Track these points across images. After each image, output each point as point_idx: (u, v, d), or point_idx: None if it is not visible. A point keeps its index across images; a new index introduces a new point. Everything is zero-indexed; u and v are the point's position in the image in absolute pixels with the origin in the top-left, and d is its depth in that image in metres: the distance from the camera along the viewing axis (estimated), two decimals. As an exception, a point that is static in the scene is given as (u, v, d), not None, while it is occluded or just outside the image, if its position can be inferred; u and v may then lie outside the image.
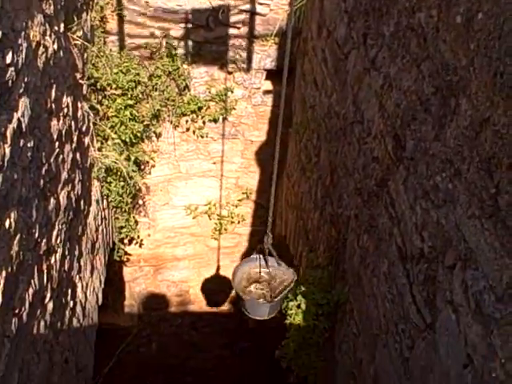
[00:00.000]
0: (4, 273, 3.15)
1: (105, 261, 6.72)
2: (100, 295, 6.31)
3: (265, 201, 8.00)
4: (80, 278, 5.35)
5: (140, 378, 9.84)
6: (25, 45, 3.71)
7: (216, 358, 9.89)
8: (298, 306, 5.10)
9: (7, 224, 3.25)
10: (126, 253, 8.11)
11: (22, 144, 3.56)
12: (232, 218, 8.18)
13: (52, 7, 4.49)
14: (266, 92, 7.43)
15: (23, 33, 3.72)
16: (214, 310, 9.30)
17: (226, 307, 9.30)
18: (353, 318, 4.59)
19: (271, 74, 7.28)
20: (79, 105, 5.47)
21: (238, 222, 8.28)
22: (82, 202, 5.46)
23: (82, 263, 5.42)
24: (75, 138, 5.30)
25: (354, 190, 4.65)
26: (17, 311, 3.40)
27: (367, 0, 4.44)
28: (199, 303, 9.28)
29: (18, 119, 3.48)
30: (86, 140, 5.82)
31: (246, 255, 8.59)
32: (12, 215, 3.35)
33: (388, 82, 3.95)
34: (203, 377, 10.24)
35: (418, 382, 3.36)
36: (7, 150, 3.25)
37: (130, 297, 8.96)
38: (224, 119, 7.44)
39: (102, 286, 6.49)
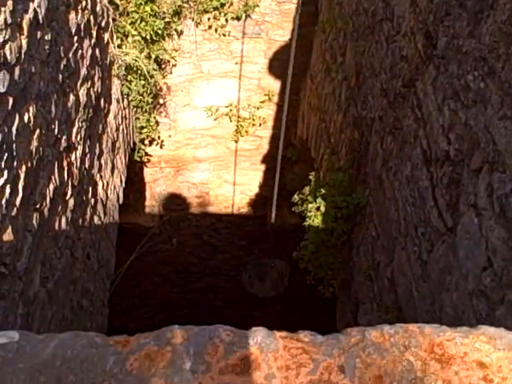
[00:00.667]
0: (24, 167, 3.15)
1: (125, 161, 6.73)
2: (121, 194, 6.37)
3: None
4: (101, 176, 5.38)
5: (159, 275, 10.14)
6: None
7: (235, 258, 10.12)
8: (318, 209, 5.10)
9: (26, 118, 3.21)
10: (146, 153, 8.12)
11: (39, 36, 3.46)
12: (253, 120, 8.07)
13: None
14: (291, -12, 7.10)
15: None
16: (234, 211, 9.38)
17: (245, 209, 9.37)
18: (372, 221, 4.58)
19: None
20: (98, -1, 5.28)
21: (260, 125, 8.18)
22: (101, 100, 5.39)
23: (102, 162, 5.42)
24: (94, 34, 5.15)
25: (379, 91, 4.50)
26: (38, 206, 3.43)
27: None
28: (218, 205, 9.35)
29: (35, 10, 3.36)
30: (106, 36, 5.66)
31: (267, 159, 8.56)
32: (31, 109, 3.30)
33: (421, -26, 3.71)
34: (222, 276, 10.53)
35: (435, 284, 3.38)
36: (24, 42, 3.15)
37: (150, 197, 9.05)
38: (247, 17, 7.16)
39: (123, 185, 6.54)
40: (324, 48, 6.47)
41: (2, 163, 2.77)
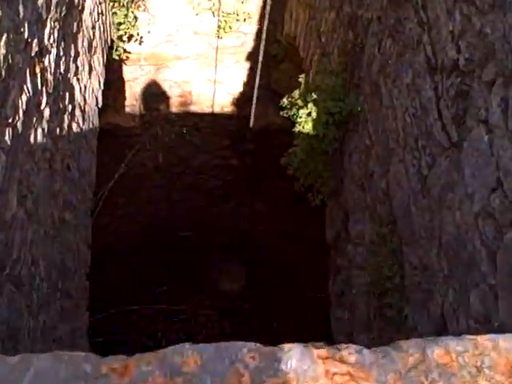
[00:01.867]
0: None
1: (103, 60, 6.33)
2: (100, 97, 6.02)
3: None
4: (78, 79, 5.02)
5: (141, 175, 9.92)
6: None
7: (218, 157, 9.92)
8: (309, 114, 4.86)
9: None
10: (125, 51, 7.66)
11: None
12: (237, 15, 7.58)
13: None
14: None
15: None
16: (217, 111, 9.07)
17: (229, 109, 9.05)
18: (366, 128, 4.37)
19: None
20: None
21: (244, 20, 7.69)
22: (75, -5, 4.93)
23: (79, 64, 5.05)
24: None
25: (378, -12, 4.15)
26: (10, 120, 3.15)
27: None
28: (201, 104, 9.02)
29: None
30: None
31: (252, 56, 8.15)
32: (-5, 11, 2.93)
33: None
34: (206, 175, 10.37)
35: (435, 201, 3.23)
36: None
37: (130, 97, 8.66)
38: None
39: (102, 87, 6.18)
40: None
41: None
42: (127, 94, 8.63)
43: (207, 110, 9.05)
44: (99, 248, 11.02)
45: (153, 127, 9.20)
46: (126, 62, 8.09)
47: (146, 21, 7.54)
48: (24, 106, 3.42)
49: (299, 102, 5.02)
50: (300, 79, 5.36)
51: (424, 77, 3.31)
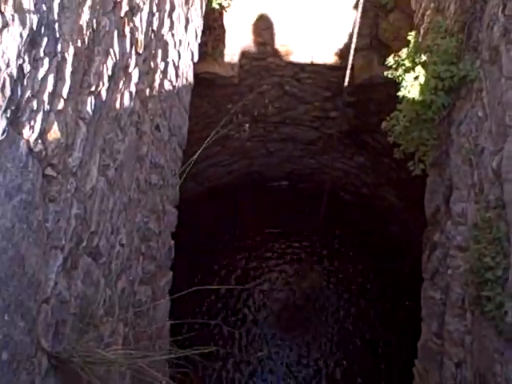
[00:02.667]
0: (72, 48, 2.67)
1: (202, 12, 6.09)
2: (196, 51, 5.83)
3: None
4: (172, 35, 4.83)
5: (237, 124, 9.68)
6: None
7: (317, 109, 9.57)
8: (416, 78, 4.42)
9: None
10: (225, -1, 7.39)
11: None
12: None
13: None
14: None
15: None
16: (318, 61, 8.65)
17: (331, 59, 8.61)
18: (480, 99, 3.90)
19: None
20: None
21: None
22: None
23: (174, 18, 4.85)
24: None
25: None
26: (93, 88, 3.01)
27: None
28: (302, 54, 8.63)
29: None
30: None
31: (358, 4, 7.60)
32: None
33: None
34: (303, 127, 10.05)
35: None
36: None
37: (230, 45, 8.42)
38: None
39: (198, 40, 5.97)
40: None
41: (41, 50, 2.31)
42: (227, 42, 8.39)
43: (308, 60, 8.66)
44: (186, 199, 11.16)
45: (252, 77, 8.96)
46: (226, 9, 7.82)
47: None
48: (110, 72, 3.27)
49: (406, 63, 4.58)
50: (409, 37, 4.87)
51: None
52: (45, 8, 2.36)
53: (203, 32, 6.51)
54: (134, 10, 3.76)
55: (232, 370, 9.73)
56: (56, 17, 2.49)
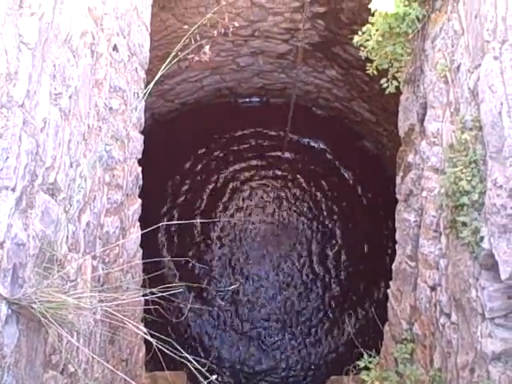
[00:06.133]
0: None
1: None
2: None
3: None
4: None
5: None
6: None
7: (287, 21, 9.15)
8: (388, -11, 4.15)
9: None
10: None
11: None
12: None
13: None
14: None
15: None
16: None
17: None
18: (456, 10, 3.68)
19: None
20: None
21: None
22: None
23: None
24: None
25: None
26: (36, 9, 2.71)
27: None
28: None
29: None
30: None
31: None
32: None
33: None
34: (273, 39, 9.68)
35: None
36: None
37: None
38: None
39: None
40: None
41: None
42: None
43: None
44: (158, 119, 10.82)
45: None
46: None
47: None
48: (54, -14, 2.95)
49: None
50: None
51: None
52: None
53: None
54: None
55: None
56: None
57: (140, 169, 5.01)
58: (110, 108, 4.03)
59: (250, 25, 9.20)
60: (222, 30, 9.20)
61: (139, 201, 5.08)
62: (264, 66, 10.44)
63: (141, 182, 5.05)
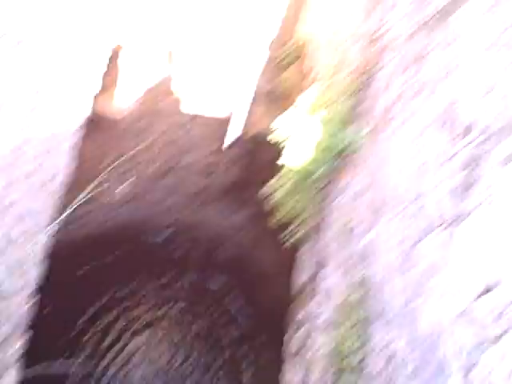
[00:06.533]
0: None
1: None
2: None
3: None
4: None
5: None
6: None
7: (208, 159, 9.29)
8: (300, 145, 4.23)
9: None
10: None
11: None
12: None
13: None
14: None
15: None
16: (209, 111, 8.44)
17: (223, 110, 8.43)
18: (361, 171, 3.72)
19: None
20: None
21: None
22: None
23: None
24: None
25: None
26: None
27: None
28: (193, 103, 8.40)
29: None
30: None
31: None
32: None
33: None
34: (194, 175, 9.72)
35: (418, 279, 2.61)
36: None
37: (122, 87, 8.04)
38: None
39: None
40: None
41: None
42: (119, 83, 8.00)
43: (199, 109, 8.44)
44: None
45: (142, 121, 8.59)
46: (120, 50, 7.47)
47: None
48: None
49: (292, 128, 4.39)
50: (310, 90, 4.67)
51: (437, 129, 2.69)
52: None
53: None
54: None
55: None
56: None
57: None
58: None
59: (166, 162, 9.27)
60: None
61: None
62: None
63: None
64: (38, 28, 3.86)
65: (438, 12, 2.97)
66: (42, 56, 3.96)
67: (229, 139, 7.35)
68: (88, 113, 5.49)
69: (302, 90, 4.87)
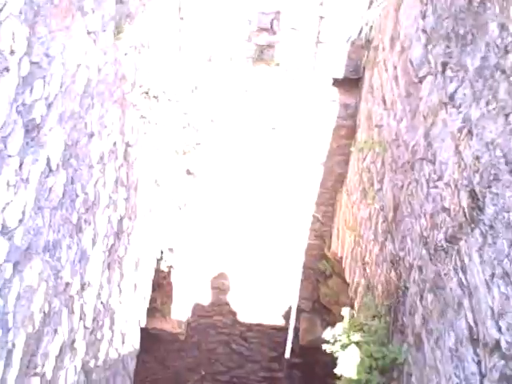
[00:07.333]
0: (23, 335, 2.84)
1: (150, 275, 6.44)
2: (144, 316, 6.03)
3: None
4: (120, 302, 5.07)
5: (186, 382, 9.66)
6: (61, 71, 3.37)
7: (264, 369, 9.59)
8: (351, 356, 4.64)
9: (29, 278, 2.94)
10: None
11: (51, 184, 3.24)
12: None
13: (98, 20, 4.13)
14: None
15: (60, 57, 3.37)
16: (264, 321, 8.95)
17: (277, 320, 8.92)
18: (411, 383, 4.09)
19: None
20: (128, 116, 5.14)
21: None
22: (125, 221, 5.15)
23: (123, 286, 5.13)
24: (121, 154, 4.98)
25: (419, 237, 4.13)
26: (38, 370, 3.11)
27: (450, 22, 3.87)
28: (248, 313, 8.94)
29: (47, 157, 3.16)
30: (134, 153, 5.49)
31: (304, 270, 8.12)
32: (35, 266, 3.04)
33: (468, 126, 3.40)
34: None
35: None
36: (30, 197, 2.92)
37: (178, 302, 8.70)
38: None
39: (147, 304, 6.22)
40: (361, 167, 6.18)
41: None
42: (174, 299, 8.68)
43: (255, 319, 8.95)
44: None
45: (199, 334, 9.10)
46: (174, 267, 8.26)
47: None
48: (57, 351, 3.40)
49: (343, 339, 4.83)
50: (343, 312, 5.21)
51: (466, 346, 3.12)
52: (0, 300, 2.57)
53: (153, 288, 6.79)
54: (85, 286, 4.02)
55: None
56: (11, 307, 2.69)
57: None
58: None
59: (229, 371, 9.60)
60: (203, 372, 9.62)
61: None
62: None
63: None
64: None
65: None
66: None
67: (288, 347, 7.75)
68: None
69: (344, 303, 5.37)
